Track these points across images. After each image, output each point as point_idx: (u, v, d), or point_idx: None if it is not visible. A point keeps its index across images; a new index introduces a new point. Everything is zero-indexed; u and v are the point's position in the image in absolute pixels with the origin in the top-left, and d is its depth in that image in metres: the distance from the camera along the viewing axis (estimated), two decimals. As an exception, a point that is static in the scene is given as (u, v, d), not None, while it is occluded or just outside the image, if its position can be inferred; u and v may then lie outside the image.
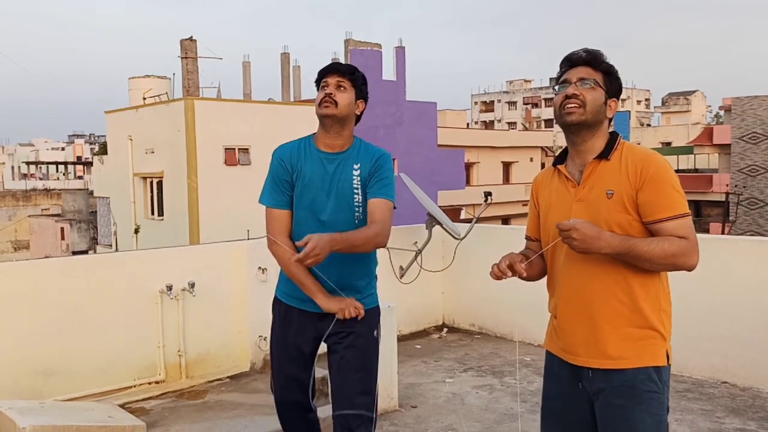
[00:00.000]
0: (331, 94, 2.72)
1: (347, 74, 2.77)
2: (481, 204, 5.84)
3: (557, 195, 2.31)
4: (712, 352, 4.87)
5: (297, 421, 2.99)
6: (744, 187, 40.00)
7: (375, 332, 2.86)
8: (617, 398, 2.14)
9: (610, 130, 2.28)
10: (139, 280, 4.89)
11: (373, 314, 2.86)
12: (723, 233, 34.36)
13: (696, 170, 47.55)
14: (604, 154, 2.21)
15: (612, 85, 2.26)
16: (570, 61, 2.27)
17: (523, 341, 6.13)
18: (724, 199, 37.74)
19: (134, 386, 4.83)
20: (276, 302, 2.95)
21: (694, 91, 75.49)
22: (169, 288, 4.90)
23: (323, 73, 2.78)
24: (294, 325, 2.85)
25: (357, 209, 2.76)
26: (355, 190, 2.76)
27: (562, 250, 2.23)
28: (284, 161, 2.82)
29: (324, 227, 2.66)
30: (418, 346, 6.08)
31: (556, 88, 2.28)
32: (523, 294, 6.21)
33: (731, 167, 40.93)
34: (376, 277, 2.94)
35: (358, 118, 2.84)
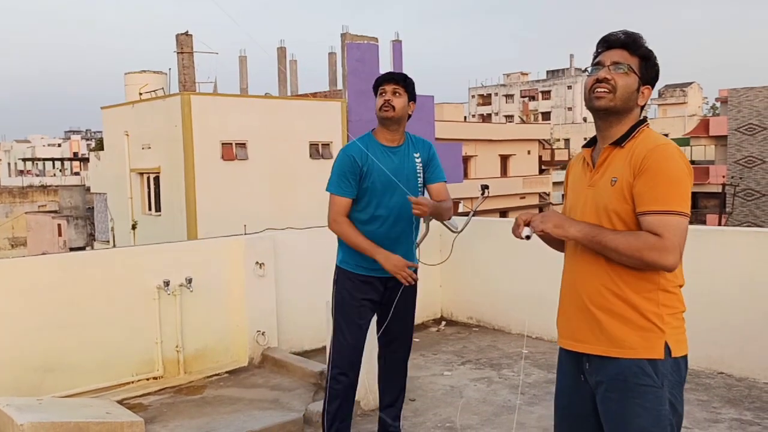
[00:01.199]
0: (390, 100, 3.32)
1: (401, 82, 3.36)
2: (478, 197, 5.84)
3: (578, 179, 2.29)
4: (709, 343, 4.88)
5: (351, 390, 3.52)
6: (740, 178, 40.04)
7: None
8: (612, 391, 2.11)
9: (642, 116, 2.20)
10: (136, 276, 4.89)
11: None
12: (720, 224, 34.44)
13: (693, 162, 47.57)
14: (619, 141, 2.15)
15: (648, 71, 2.17)
16: (606, 43, 2.18)
17: (521, 333, 6.14)
18: (720, 190, 37.81)
19: (132, 382, 4.84)
20: (343, 273, 3.51)
21: (691, 83, 75.48)
22: (167, 283, 4.90)
23: (381, 81, 3.38)
24: (371, 288, 3.44)
25: (420, 190, 3.44)
26: (418, 175, 3.42)
27: (571, 243, 2.23)
28: (355, 157, 3.33)
29: (394, 207, 3.33)
30: (417, 340, 6.08)
31: (589, 69, 2.19)
32: (521, 287, 6.24)
33: (728, 159, 40.97)
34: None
35: (409, 116, 3.42)
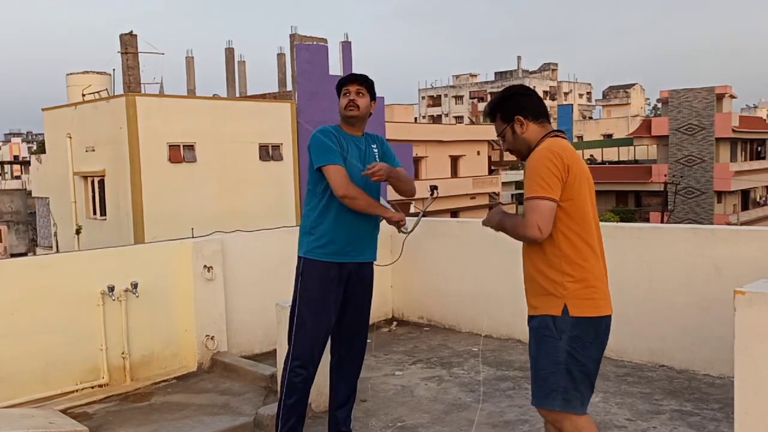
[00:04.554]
0: (354, 99, 3.54)
1: (364, 82, 3.57)
2: (428, 198, 5.87)
3: None
4: (651, 337, 5.04)
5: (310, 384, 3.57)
6: (681, 177, 41.43)
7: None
8: (531, 338, 2.80)
9: (552, 131, 2.81)
10: (79, 282, 4.76)
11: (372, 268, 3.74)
12: (662, 222, 35.50)
13: (636, 161, 48.94)
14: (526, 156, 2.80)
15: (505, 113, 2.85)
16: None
17: (471, 332, 6.22)
18: (663, 188, 38.98)
19: (76, 391, 4.71)
20: (309, 264, 3.54)
21: (634, 84, 77.69)
22: (111, 289, 4.78)
23: (344, 82, 3.58)
24: (335, 279, 3.52)
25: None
26: (377, 161, 3.59)
27: None
28: (334, 135, 3.53)
29: (359, 187, 3.48)
30: (368, 341, 6.09)
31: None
32: (471, 286, 6.32)
33: (669, 158, 42.30)
34: None
35: (369, 114, 3.64)
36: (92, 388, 4.78)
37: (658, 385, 4.63)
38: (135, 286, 4.90)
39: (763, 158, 48.71)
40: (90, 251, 5.44)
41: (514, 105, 2.82)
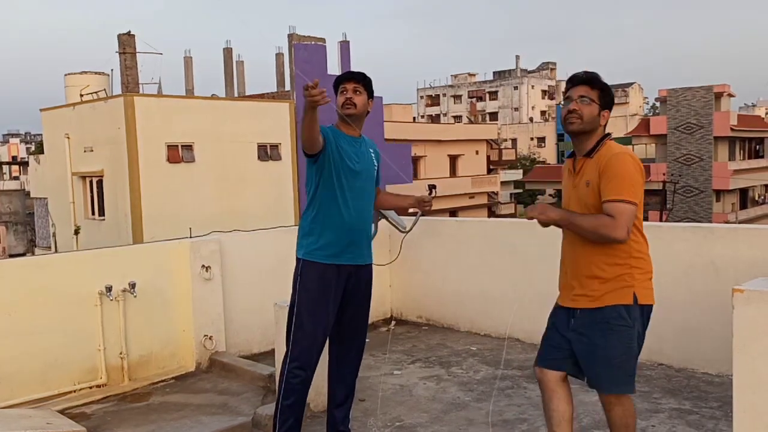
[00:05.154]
0: (351, 97, 3.46)
1: (361, 80, 3.50)
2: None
3: (566, 182, 3.10)
4: (649, 335, 4.96)
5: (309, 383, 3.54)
6: (680, 175, 41.43)
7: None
8: (596, 332, 2.91)
9: (605, 132, 2.97)
10: (77, 282, 4.75)
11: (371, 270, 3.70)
12: (661, 220, 35.52)
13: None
14: (589, 153, 2.93)
15: (605, 99, 2.94)
16: (572, 81, 2.98)
17: (469, 331, 6.21)
18: (661, 187, 38.97)
19: (74, 391, 4.70)
20: (308, 265, 3.50)
21: (632, 83, 77.65)
22: (109, 289, 4.78)
23: (342, 80, 3.51)
24: (334, 280, 3.49)
25: (376, 176, 3.67)
26: (375, 168, 3.62)
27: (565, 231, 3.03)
28: (326, 130, 3.44)
29: (355, 190, 3.47)
30: (367, 340, 6.08)
31: (563, 102, 3.02)
32: (469, 285, 6.32)
33: (667, 157, 42.31)
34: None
35: (367, 113, 3.58)
36: (90, 388, 4.77)
37: (657, 383, 4.62)
38: (133, 286, 4.89)
39: (762, 157, 48.74)
40: (88, 251, 5.43)
41: (612, 98, 3.02)
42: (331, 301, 3.52)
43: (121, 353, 4.90)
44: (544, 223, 2.93)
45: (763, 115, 51.14)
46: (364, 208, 3.55)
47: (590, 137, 2.95)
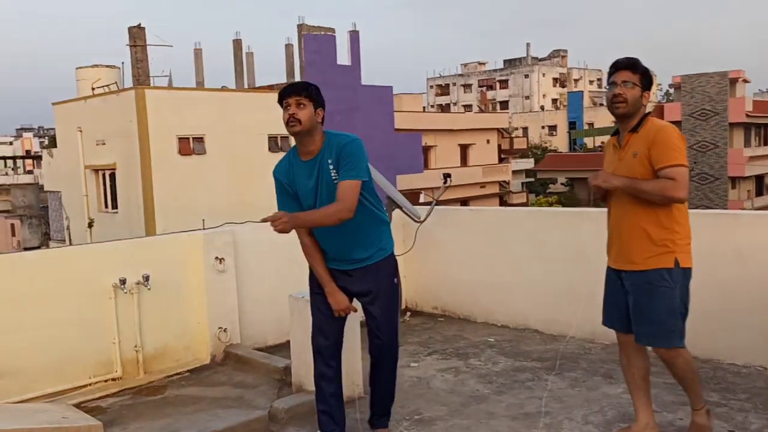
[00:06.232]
0: (294, 113, 3.22)
1: (303, 92, 3.25)
2: (440, 187, 5.79)
3: (610, 157, 3.44)
4: (672, 326, 4.92)
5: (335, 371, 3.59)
6: (695, 162, 40.95)
7: (395, 280, 3.59)
8: (641, 292, 3.28)
9: (646, 111, 3.30)
10: (91, 275, 4.71)
11: (388, 263, 3.54)
12: (675, 209, 35.07)
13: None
14: (634, 129, 3.28)
15: (646, 82, 3.26)
16: (616, 66, 3.30)
17: (486, 322, 6.13)
18: (676, 175, 38.48)
19: (90, 384, 4.67)
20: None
21: (645, 70, 76.68)
22: (123, 282, 4.73)
23: (282, 95, 3.27)
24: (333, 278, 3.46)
25: (337, 177, 3.29)
26: (335, 181, 3.26)
27: (615, 195, 3.34)
28: (282, 180, 3.39)
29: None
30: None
31: (607, 86, 3.36)
32: (485, 275, 6.22)
33: (682, 144, 41.75)
34: (387, 225, 3.59)
35: (322, 122, 3.32)
36: (105, 381, 4.74)
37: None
38: (147, 278, 4.84)
39: (777, 143, 48.13)
40: (101, 244, 5.40)
41: (651, 79, 3.31)
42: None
43: (135, 346, 4.85)
44: (601, 196, 3.37)
45: (778, 101, 50.36)
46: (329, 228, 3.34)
47: (635, 116, 3.28)
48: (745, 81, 42.31)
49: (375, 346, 3.56)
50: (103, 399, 4.55)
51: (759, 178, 44.48)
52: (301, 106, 3.23)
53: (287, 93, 3.26)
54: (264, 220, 3.10)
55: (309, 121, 3.24)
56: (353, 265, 3.45)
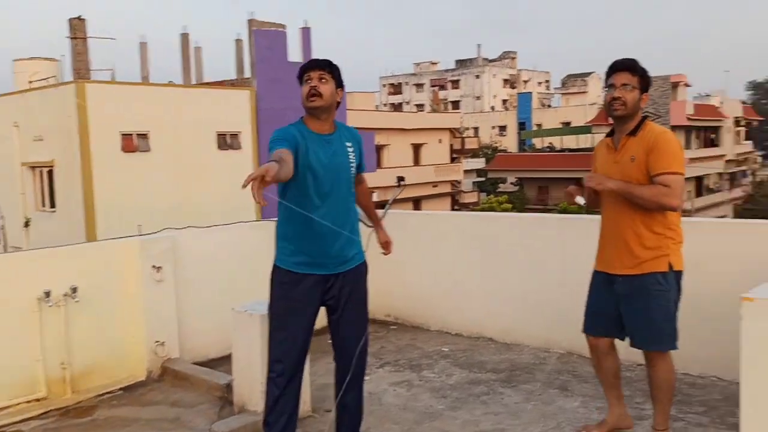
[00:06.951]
0: (316, 86, 3.11)
1: (326, 67, 3.16)
2: (393, 187, 5.56)
3: (604, 158, 3.41)
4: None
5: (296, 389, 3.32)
6: (640, 164, 41.84)
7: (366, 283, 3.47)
8: (638, 296, 3.26)
9: (643, 114, 3.28)
10: (11, 288, 4.30)
11: (365, 266, 3.47)
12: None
13: (592, 149, 49.25)
14: (633, 133, 3.26)
15: (644, 84, 3.26)
16: (614, 68, 3.28)
17: (441, 330, 5.93)
18: (621, 176, 39.27)
19: (10, 406, 4.26)
20: (277, 272, 3.26)
21: (591, 73, 78.40)
22: (48, 294, 4.34)
23: (306, 68, 3.16)
24: (307, 290, 3.22)
25: (351, 178, 3.29)
26: (351, 164, 3.25)
27: (608, 198, 3.31)
28: (293, 134, 3.08)
29: (327, 195, 3.15)
30: (329, 341, 5.76)
31: (605, 88, 3.33)
32: (439, 281, 6.01)
33: (627, 145, 42.67)
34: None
35: (338, 104, 3.22)
36: (28, 402, 4.33)
37: (638, 386, 4.38)
38: (74, 290, 4.45)
39: (716, 146, 49.64)
40: (23, 253, 4.99)
41: (650, 81, 3.28)
42: (303, 312, 3.29)
43: (62, 363, 4.46)
44: (593, 201, 3.36)
45: (717, 105, 52.04)
46: (338, 208, 3.21)
47: (633, 119, 3.26)
48: (687, 85, 43.54)
49: (348, 357, 3.38)
50: (25, 422, 4.15)
51: (699, 180, 45.79)
52: (323, 80, 3.14)
53: (310, 66, 3.17)
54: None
55: (330, 97, 3.15)
56: (345, 266, 3.30)
